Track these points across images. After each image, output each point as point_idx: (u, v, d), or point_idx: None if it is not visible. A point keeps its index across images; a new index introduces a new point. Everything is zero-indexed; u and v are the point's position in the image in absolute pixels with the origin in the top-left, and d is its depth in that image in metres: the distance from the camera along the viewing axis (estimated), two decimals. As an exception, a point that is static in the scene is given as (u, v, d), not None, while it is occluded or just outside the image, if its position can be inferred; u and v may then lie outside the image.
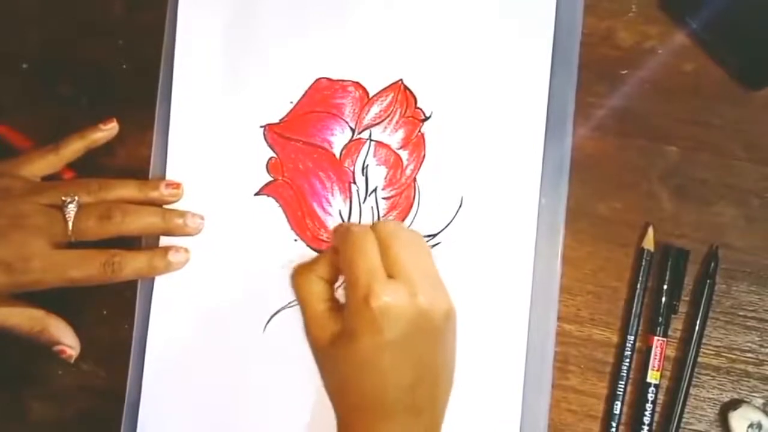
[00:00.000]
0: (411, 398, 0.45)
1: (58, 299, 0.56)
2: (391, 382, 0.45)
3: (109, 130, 0.58)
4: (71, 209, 0.53)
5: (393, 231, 0.47)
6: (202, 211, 0.57)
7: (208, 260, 0.57)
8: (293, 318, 0.56)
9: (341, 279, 0.47)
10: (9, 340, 0.56)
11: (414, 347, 0.45)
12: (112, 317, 0.58)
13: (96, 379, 0.59)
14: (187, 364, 0.57)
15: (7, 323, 0.55)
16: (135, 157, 0.59)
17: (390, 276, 0.45)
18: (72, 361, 0.56)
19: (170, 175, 0.58)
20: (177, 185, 0.57)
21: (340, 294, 0.47)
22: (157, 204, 0.57)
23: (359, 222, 0.57)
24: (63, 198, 0.53)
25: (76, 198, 0.54)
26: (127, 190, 0.56)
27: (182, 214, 0.57)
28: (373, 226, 0.47)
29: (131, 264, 0.54)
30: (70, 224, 0.53)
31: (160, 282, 0.57)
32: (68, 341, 0.56)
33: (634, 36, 0.57)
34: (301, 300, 0.48)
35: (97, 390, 0.59)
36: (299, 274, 0.48)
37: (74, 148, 0.57)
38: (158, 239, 0.57)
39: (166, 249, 0.56)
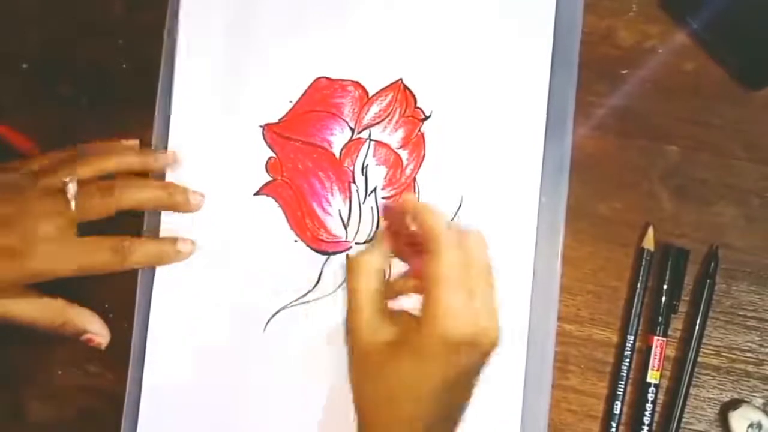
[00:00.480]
0: (443, 410, 0.45)
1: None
2: (439, 400, 0.44)
3: (132, 146, 0.58)
4: (71, 188, 0.52)
5: (480, 249, 0.45)
6: (202, 211, 0.57)
7: (208, 260, 0.57)
8: (293, 318, 0.56)
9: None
10: (9, 340, 0.56)
11: (467, 374, 0.45)
12: (112, 317, 0.58)
13: (96, 379, 0.59)
14: (187, 364, 0.57)
15: (26, 316, 0.53)
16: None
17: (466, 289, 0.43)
18: (102, 348, 0.55)
19: (170, 175, 0.58)
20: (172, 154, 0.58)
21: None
22: (156, 171, 0.57)
23: (359, 223, 0.57)
24: (63, 179, 0.52)
25: (75, 178, 0.52)
26: (126, 157, 0.56)
27: (185, 189, 0.57)
28: (461, 237, 0.45)
29: (141, 249, 0.54)
30: (73, 204, 0.52)
31: (160, 282, 0.57)
32: (95, 328, 0.55)
33: (634, 35, 0.57)
34: (357, 298, 0.45)
35: (97, 390, 0.59)
36: (357, 263, 0.46)
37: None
38: (159, 225, 0.57)
39: (175, 238, 0.56)
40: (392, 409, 0.45)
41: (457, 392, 0.45)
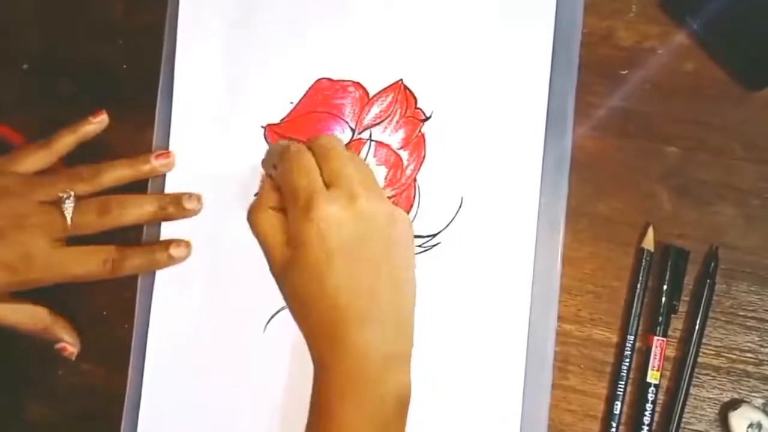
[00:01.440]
0: (371, 304, 0.46)
1: (58, 299, 0.56)
2: (347, 287, 0.46)
3: (99, 122, 0.58)
4: (69, 205, 0.53)
5: (328, 144, 0.49)
6: (203, 212, 0.57)
7: (208, 260, 0.57)
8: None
9: None
10: (9, 341, 0.56)
11: (361, 251, 0.46)
12: (112, 317, 0.58)
13: (96, 379, 0.59)
14: (187, 364, 0.57)
15: (9, 321, 0.55)
16: (135, 157, 0.59)
17: (328, 186, 0.47)
18: (73, 358, 0.57)
19: (171, 175, 0.58)
20: (167, 154, 0.58)
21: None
22: (153, 176, 0.58)
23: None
24: (60, 194, 0.54)
25: (72, 193, 0.54)
26: (120, 170, 0.56)
27: (179, 197, 0.57)
28: (309, 141, 0.50)
29: (132, 260, 0.55)
30: (69, 220, 0.53)
31: (160, 282, 0.57)
32: (69, 339, 0.57)
33: (634, 36, 0.57)
34: (259, 234, 0.49)
35: (97, 390, 0.59)
36: (252, 211, 0.50)
37: (66, 142, 0.57)
38: (160, 227, 0.57)
39: (168, 243, 0.57)
40: (308, 316, 0.47)
41: (356, 276, 0.46)
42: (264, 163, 0.55)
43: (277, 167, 0.49)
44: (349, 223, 0.46)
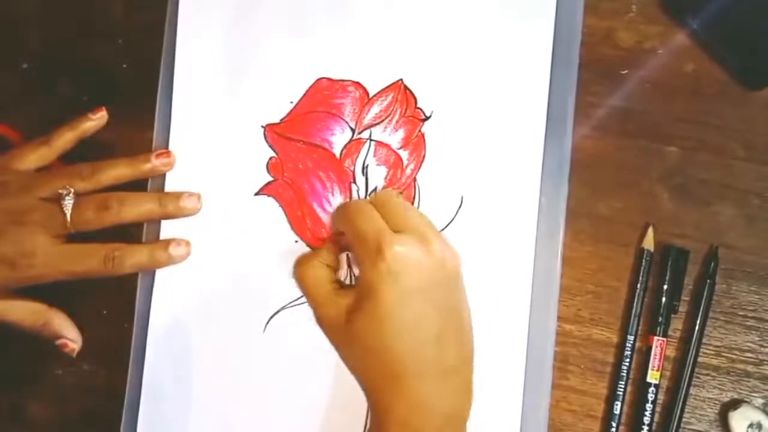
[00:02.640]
0: (439, 354, 0.45)
1: (58, 298, 0.56)
2: (416, 336, 0.45)
3: (98, 119, 0.58)
4: (68, 201, 0.53)
5: (389, 195, 0.49)
6: (203, 211, 0.57)
7: (209, 260, 0.57)
8: (293, 318, 0.56)
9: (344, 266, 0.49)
10: (9, 340, 0.56)
11: (432, 296, 0.45)
12: (112, 317, 0.58)
13: (96, 379, 0.59)
14: (187, 364, 0.57)
15: (9, 317, 0.55)
16: (135, 157, 0.59)
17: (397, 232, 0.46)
18: (74, 354, 0.57)
19: (170, 174, 0.58)
20: (167, 153, 0.58)
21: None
22: (153, 176, 0.57)
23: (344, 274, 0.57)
24: (59, 191, 0.54)
25: (72, 190, 0.54)
26: (120, 169, 0.56)
27: (178, 196, 0.57)
28: (370, 199, 0.50)
29: (132, 258, 0.55)
30: (69, 217, 0.53)
31: (160, 282, 0.57)
32: (70, 335, 0.57)
33: (634, 36, 0.57)
34: (307, 286, 0.49)
35: (97, 390, 0.59)
36: (301, 263, 0.50)
37: (66, 139, 0.57)
38: (159, 225, 0.57)
39: (168, 242, 0.57)
40: (371, 367, 0.46)
41: (426, 323, 0.45)
42: (333, 221, 0.54)
43: (338, 223, 0.49)
44: (421, 267, 0.45)
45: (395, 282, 0.44)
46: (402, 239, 0.45)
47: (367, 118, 0.57)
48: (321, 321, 0.48)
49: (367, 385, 0.47)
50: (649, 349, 0.55)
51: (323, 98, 0.58)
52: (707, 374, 0.55)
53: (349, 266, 0.55)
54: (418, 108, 0.57)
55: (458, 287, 0.47)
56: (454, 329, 0.46)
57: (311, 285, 0.49)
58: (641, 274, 0.55)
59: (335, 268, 0.49)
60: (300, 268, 0.49)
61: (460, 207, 0.56)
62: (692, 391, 0.55)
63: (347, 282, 0.55)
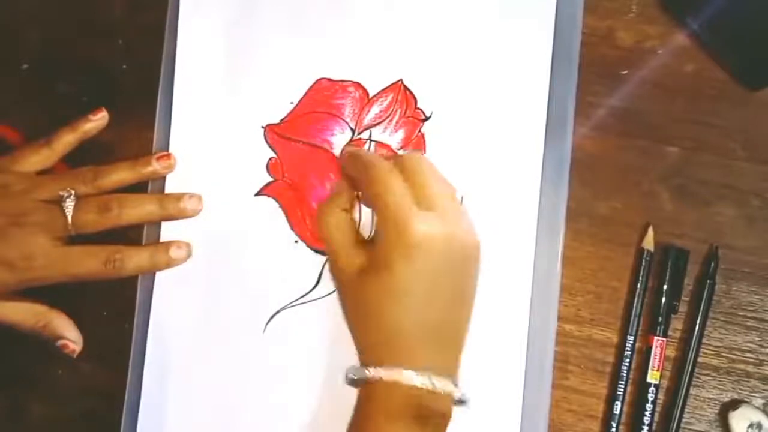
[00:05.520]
0: (436, 333, 0.45)
1: (58, 299, 0.56)
2: (423, 312, 0.44)
3: (99, 120, 0.58)
4: (69, 203, 0.54)
5: (419, 163, 0.47)
6: (203, 212, 0.57)
7: (208, 260, 0.57)
8: (293, 318, 0.57)
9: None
10: (10, 341, 0.56)
11: (447, 278, 0.45)
12: (112, 317, 0.58)
13: (96, 379, 0.59)
14: (188, 364, 0.57)
15: (10, 319, 0.55)
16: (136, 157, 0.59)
17: (420, 207, 0.45)
18: (75, 355, 0.56)
19: (171, 175, 0.58)
20: (168, 156, 0.57)
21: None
22: (154, 179, 0.57)
23: (360, 223, 0.57)
24: (60, 193, 0.54)
25: (73, 192, 0.54)
26: (121, 173, 0.56)
27: (179, 197, 0.57)
28: (396, 160, 0.47)
29: (133, 260, 0.55)
30: (70, 219, 0.53)
31: (160, 282, 0.57)
32: (71, 336, 0.56)
33: (634, 36, 0.57)
34: (327, 233, 0.48)
35: (97, 390, 0.59)
36: (322, 209, 0.48)
37: (66, 140, 0.57)
38: (160, 227, 0.58)
39: (168, 244, 0.57)
40: (371, 332, 0.46)
41: (434, 303, 0.45)
42: (345, 164, 0.51)
43: (358, 177, 0.48)
44: (441, 248, 0.44)
45: (413, 260, 0.44)
46: (427, 218, 0.44)
47: (367, 119, 0.57)
48: (332, 269, 0.48)
49: (361, 343, 0.47)
50: (649, 349, 0.55)
51: (323, 99, 0.58)
52: (707, 374, 0.55)
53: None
54: (418, 108, 0.57)
55: (473, 271, 0.47)
56: (457, 312, 0.46)
57: (330, 231, 0.47)
58: (641, 274, 0.55)
59: (352, 208, 0.48)
60: (321, 216, 0.48)
61: (460, 207, 0.56)
62: (692, 391, 0.55)
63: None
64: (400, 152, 0.57)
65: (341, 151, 0.57)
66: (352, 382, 0.46)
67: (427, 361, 0.44)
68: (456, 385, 0.45)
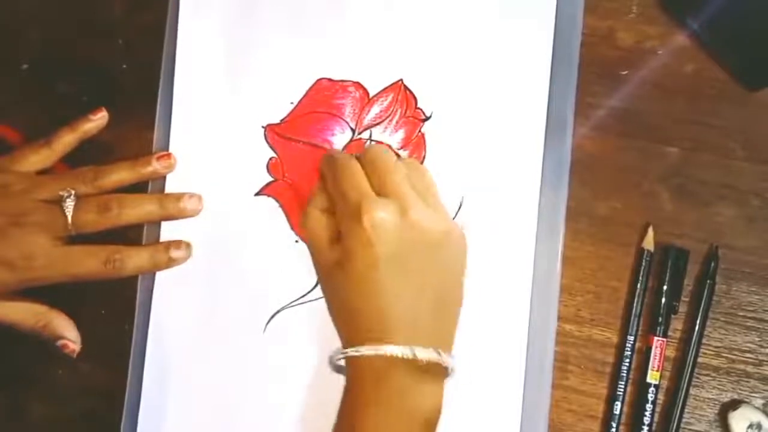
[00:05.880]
0: (413, 315, 0.45)
1: (58, 299, 0.56)
2: (390, 297, 0.45)
3: (99, 119, 0.58)
4: (69, 203, 0.54)
5: (378, 154, 0.48)
6: (203, 212, 0.57)
7: (208, 260, 0.57)
8: (293, 318, 0.56)
9: None
10: (10, 341, 0.56)
11: (409, 262, 0.45)
12: (112, 317, 0.58)
13: (96, 379, 0.59)
14: (187, 364, 0.57)
15: (10, 318, 0.55)
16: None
17: (380, 195, 0.46)
18: (75, 355, 0.56)
19: (171, 175, 0.58)
20: (168, 155, 0.58)
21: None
22: (154, 179, 0.58)
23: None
24: (60, 192, 0.54)
25: (73, 192, 0.54)
26: (121, 173, 0.56)
27: (179, 197, 0.57)
28: (359, 153, 0.49)
29: (133, 260, 0.55)
30: (70, 218, 0.53)
31: (160, 282, 0.57)
32: (71, 335, 0.56)
33: (634, 36, 0.57)
34: (306, 233, 0.49)
35: (97, 390, 0.59)
36: (303, 213, 0.50)
37: (66, 140, 0.57)
38: (160, 226, 0.58)
39: (168, 244, 0.57)
40: (349, 320, 0.47)
41: (400, 287, 0.45)
42: (320, 166, 0.52)
43: (326, 175, 0.49)
44: (399, 233, 0.45)
45: (371, 247, 0.44)
46: (381, 205, 0.45)
47: (368, 119, 0.57)
48: (315, 268, 0.49)
49: (344, 337, 0.47)
50: (649, 349, 0.55)
51: (323, 98, 0.58)
52: (707, 374, 0.55)
53: None
54: (418, 108, 0.57)
55: (442, 255, 0.47)
56: (431, 296, 0.46)
57: (309, 232, 0.49)
58: (641, 274, 0.55)
59: (334, 211, 0.49)
60: (302, 219, 0.49)
61: (460, 207, 0.56)
62: (692, 391, 0.55)
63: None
64: (401, 152, 0.57)
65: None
66: (338, 369, 0.47)
67: (408, 341, 0.45)
68: (440, 354, 0.45)
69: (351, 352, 0.45)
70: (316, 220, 0.49)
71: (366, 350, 0.45)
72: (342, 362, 0.46)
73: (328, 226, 0.48)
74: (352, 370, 0.46)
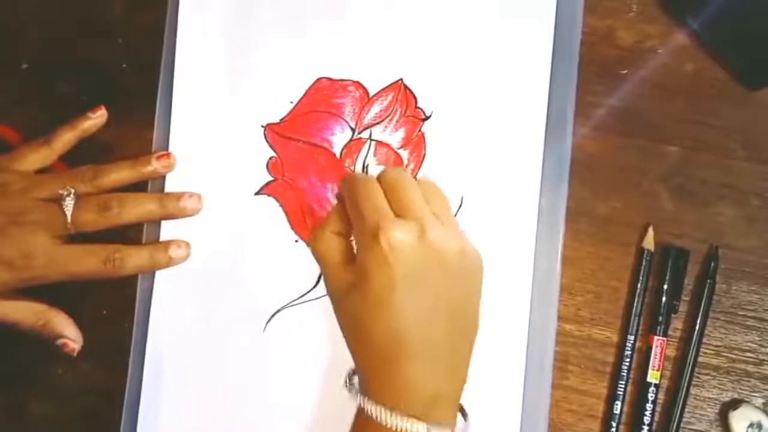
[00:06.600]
0: (429, 338, 0.45)
1: (58, 298, 0.56)
2: (406, 320, 0.44)
3: (98, 117, 0.58)
4: (69, 202, 0.54)
5: (397, 176, 0.47)
6: (203, 211, 0.57)
7: (208, 260, 0.57)
8: (293, 318, 0.56)
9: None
10: (10, 340, 0.56)
11: (426, 283, 0.45)
12: (112, 317, 0.58)
13: (96, 379, 0.59)
14: (187, 364, 0.57)
15: (10, 317, 0.55)
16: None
17: (398, 216, 0.45)
18: (75, 354, 0.56)
19: (171, 175, 0.58)
20: (168, 155, 0.58)
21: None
22: (154, 178, 0.57)
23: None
24: (60, 191, 0.54)
25: (73, 190, 0.54)
26: (121, 172, 0.56)
27: (179, 196, 0.57)
28: (378, 175, 0.48)
29: (133, 259, 0.55)
30: (69, 217, 0.53)
31: (160, 281, 0.57)
32: (71, 335, 0.56)
33: (634, 35, 0.57)
34: (319, 257, 0.48)
35: (97, 390, 0.59)
36: (315, 234, 0.49)
37: (66, 139, 0.57)
38: (159, 226, 0.58)
39: (168, 244, 0.57)
40: (364, 344, 0.46)
41: (416, 309, 0.45)
42: (339, 187, 0.52)
43: (344, 195, 0.48)
44: (416, 254, 0.44)
45: (388, 268, 0.44)
46: (400, 226, 0.44)
47: (368, 118, 0.57)
48: (328, 293, 0.48)
49: (359, 363, 0.47)
50: (649, 348, 0.55)
51: (323, 98, 0.58)
52: (707, 374, 0.55)
53: None
54: (418, 108, 0.57)
55: (458, 277, 0.46)
56: (446, 318, 0.45)
57: (322, 255, 0.48)
58: (641, 274, 0.55)
59: (347, 235, 0.48)
60: (313, 241, 0.48)
61: (460, 207, 0.56)
62: (692, 391, 0.55)
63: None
64: (401, 151, 0.57)
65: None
66: (350, 389, 0.46)
67: (425, 384, 0.44)
68: (456, 414, 0.45)
69: (369, 409, 0.44)
70: (328, 242, 0.48)
71: (384, 417, 0.44)
72: (354, 395, 0.46)
73: (340, 248, 0.48)
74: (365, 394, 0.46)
